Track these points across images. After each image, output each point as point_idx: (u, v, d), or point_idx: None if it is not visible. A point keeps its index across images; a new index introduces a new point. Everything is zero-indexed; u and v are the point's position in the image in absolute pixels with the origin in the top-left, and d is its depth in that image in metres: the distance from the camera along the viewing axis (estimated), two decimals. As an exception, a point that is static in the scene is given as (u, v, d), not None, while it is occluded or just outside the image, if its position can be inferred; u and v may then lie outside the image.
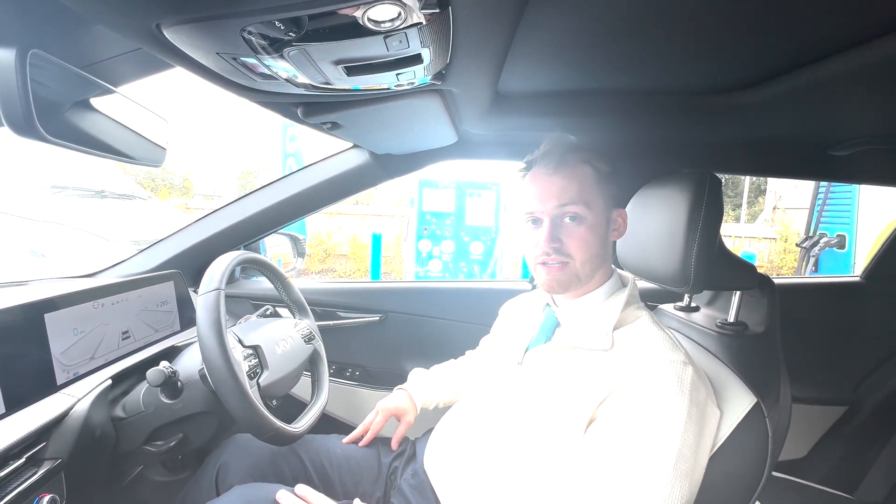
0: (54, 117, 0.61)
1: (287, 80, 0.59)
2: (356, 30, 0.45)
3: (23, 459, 0.64)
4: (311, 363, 1.03)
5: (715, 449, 0.64)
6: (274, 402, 0.88)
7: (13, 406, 0.67)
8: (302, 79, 0.58)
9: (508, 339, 0.90)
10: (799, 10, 0.54)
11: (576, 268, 0.72)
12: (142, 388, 0.80)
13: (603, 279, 0.77)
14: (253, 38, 0.46)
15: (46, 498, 0.65)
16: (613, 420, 0.62)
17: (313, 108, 0.78)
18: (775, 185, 8.89)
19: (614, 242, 0.79)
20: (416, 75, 0.60)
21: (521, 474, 0.69)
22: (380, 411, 0.97)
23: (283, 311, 1.31)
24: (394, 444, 0.94)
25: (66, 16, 0.54)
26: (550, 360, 0.75)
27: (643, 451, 0.58)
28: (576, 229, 0.71)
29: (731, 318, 0.81)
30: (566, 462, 0.65)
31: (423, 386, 1.01)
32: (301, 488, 0.73)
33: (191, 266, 1.18)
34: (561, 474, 0.65)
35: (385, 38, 0.46)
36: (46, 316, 0.75)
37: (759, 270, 0.79)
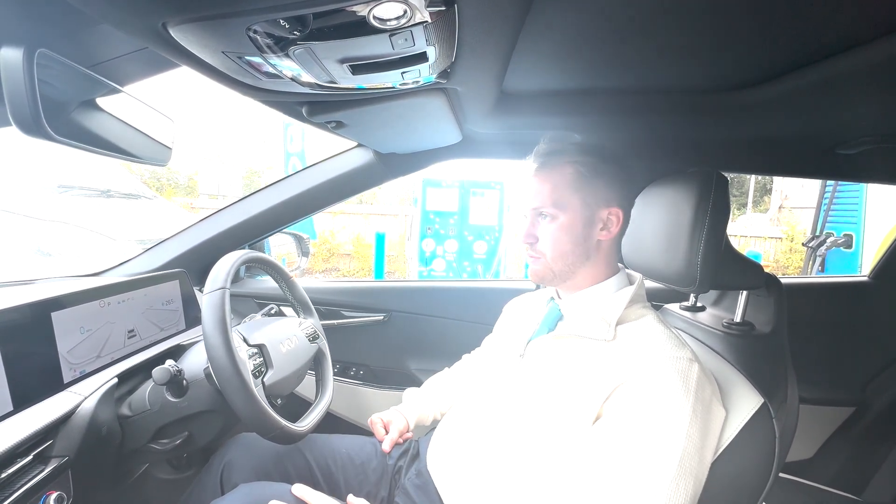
0: (61, 116, 0.62)
1: (292, 79, 0.59)
2: (361, 28, 0.45)
3: (30, 457, 0.64)
4: (316, 362, 1.03)
5: (721, 449, 0.64)
6: (278, 401, 0.88)
7: (21, 404, 0.68)
8: (307, 77, 0.58)
9: (511, 334, 0.89)
10: (806, 8, 0.54)
11: (548, 263, 0.76)
12: (147, 387, 0.81)
13: (604, 274, 0.77)
14: (258, 37, 0.46)
15: (53, 495, 0.65)
16: (618, 417, 0.62)
17: (318, 106, 0.78)
18: (781, 183, 8.84)
19: (616, 240, 0.78)
20: (420, 74, 0.60)
21: (524, 472, 0.69)
22: (374, 422, 0.95)
23: (287, 310, 1.32)
24: (387, 447, 0.91)
25: (73, 15, 0.54)
26: (552, 350, 0.75)
27: (648, 449, 0.58)
28: (548, 227, 0.75)
29: (738, 318, 0.81)
30: (570, 459, 0.64)
31: (416, 406, 1.01)
32: (298, 488, 0.72)
33: (196, 265, 1.18)
34: (565, 471, 0.65)
35: (390, 36, 0.46)
36: (53, 314, 0.75)
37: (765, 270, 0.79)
